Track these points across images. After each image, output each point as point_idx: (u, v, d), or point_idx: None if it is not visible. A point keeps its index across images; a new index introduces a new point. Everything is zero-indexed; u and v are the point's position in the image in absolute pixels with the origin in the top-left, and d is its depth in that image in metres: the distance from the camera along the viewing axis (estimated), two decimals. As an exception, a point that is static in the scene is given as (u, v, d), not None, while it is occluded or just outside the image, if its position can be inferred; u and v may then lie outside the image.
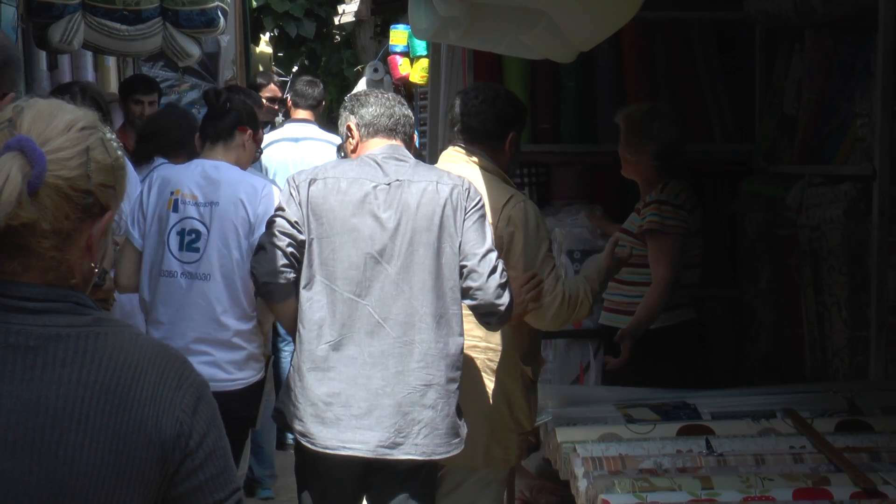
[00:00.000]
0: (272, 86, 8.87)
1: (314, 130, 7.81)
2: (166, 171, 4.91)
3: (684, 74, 6.08)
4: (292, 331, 4.13)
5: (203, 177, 4.75)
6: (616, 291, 5.11)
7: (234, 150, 4.90)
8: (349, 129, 4.23)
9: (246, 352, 4.75)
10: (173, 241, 4.67)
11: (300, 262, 4.03)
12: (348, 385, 3.96)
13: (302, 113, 7.91)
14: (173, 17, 8.36)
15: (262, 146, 6.04)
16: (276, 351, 7.13)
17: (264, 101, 8.13)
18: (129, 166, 4.41)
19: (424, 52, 10.16)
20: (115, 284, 4.78)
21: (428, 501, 4.16)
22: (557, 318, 4.27)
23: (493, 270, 3.98)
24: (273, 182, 5.19)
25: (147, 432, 1.82)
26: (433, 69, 7.21)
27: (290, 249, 4.01)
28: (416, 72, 11.04)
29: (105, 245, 1.93)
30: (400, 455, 3.96)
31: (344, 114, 4.27)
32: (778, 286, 5.45)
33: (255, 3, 18.09)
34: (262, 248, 4.05)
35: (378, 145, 4.17)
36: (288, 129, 7.88)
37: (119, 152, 1.92)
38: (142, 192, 4.77)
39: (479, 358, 4.29)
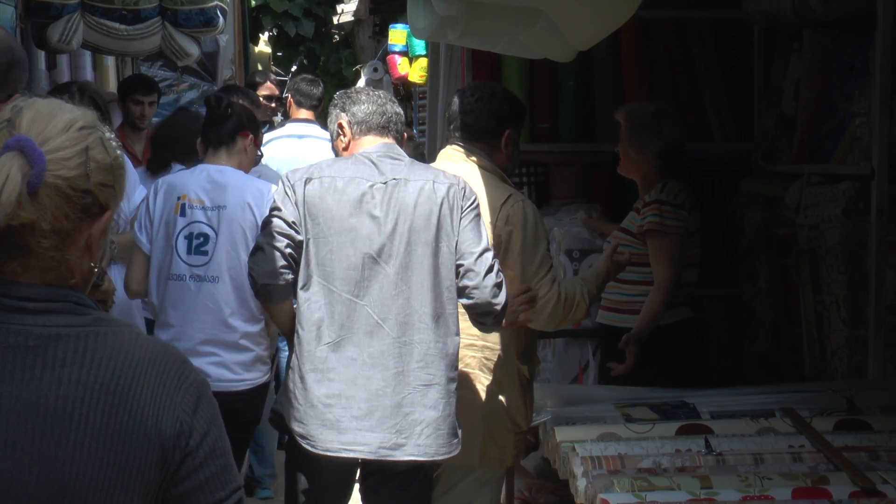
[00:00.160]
0: (269, 84, 8.85)
1: (316, 129, 7.81)
2: (172, 176, 5.01)
3: (683, 74, 6.08)
4: (288, 332, 4.10)
5: (209, 181, 4.80)
6: (614, 290, 5.10)
7: (237, 154, 4.95)
8: (340, 126, 4.19)
9: (253, 353, 4.79)
10: (181, 245, 4.73)
11: (298, 263, 4.00)
12: (348, 386, 3.94)
13: (304, 112, 7.91)
14: (172, 17, 8.35)
15: (264, 144, 6.06)
16: (275, 350, 7.12)
17: (261, 99, 8.12)
18: (129, 165, 4.43)
19: (423, 52, 10.17)
20: (125, 290, 4.83)
21: (425, 502, 4.15)
22: (553, 319, 4.26)
23: (490, 269, 3.97)
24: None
25: (147, 432, 1.81)
26: (432, 68, 7.21)
27: (288, 250, 3.97)
28: (415, 71, 11.05)
29: (104, 245, 1.93)
30: (403, 456, 3.94)
31: (335, 111, 4.22)
32: (776, 285, 5.45)
33: (253, 3, 18.09)
34: (260, 250, 4.00)
35: (371, 143, 4.13)
36: (290, 128, 7.88)
37: (118, 152, 1.91)
38: (148, 197, 4.84)
39: (475, 356, 4.28)
